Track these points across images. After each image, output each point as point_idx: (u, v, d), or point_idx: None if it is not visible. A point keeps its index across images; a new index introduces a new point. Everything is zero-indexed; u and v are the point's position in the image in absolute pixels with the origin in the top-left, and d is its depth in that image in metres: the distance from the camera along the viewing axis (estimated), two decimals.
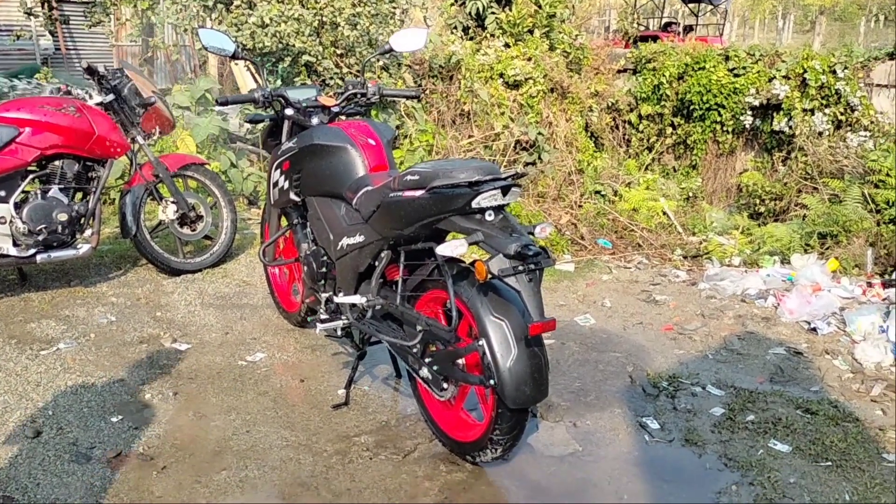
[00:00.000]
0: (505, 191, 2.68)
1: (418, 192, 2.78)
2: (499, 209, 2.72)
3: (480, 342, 2.73)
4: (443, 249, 2.66)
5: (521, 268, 2.58)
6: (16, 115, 4.24)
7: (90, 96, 4.52)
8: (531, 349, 2.71)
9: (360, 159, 3.34)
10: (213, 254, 5.08)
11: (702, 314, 4.88)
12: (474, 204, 2.65)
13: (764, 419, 3.49)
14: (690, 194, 9.05)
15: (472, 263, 2.77)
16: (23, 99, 4.65)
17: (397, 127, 7.45)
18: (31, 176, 4.36)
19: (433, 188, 2.70)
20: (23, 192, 4.34)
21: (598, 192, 8.09)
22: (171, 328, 4.27)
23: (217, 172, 5.52)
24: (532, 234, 2.72)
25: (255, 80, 7.68)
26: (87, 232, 4.55)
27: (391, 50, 3.72)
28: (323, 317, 3.53)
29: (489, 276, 2.59)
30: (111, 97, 4.53)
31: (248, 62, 7.25)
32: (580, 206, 7.60)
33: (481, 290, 2.76)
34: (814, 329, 4.56)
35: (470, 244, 2.66)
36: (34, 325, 4.19)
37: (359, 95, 3.80)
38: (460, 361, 2.89)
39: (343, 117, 3.84)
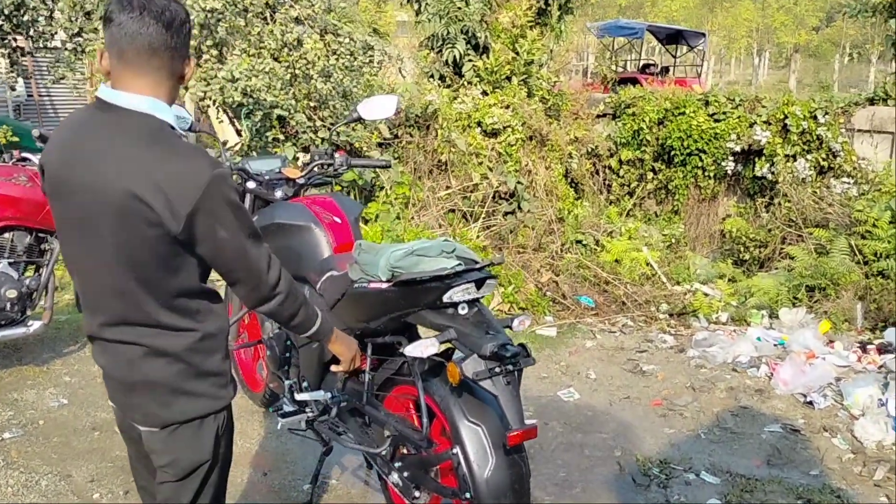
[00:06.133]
0: (479, 283, 2.45)
1: (385, 285, 2.55)
2: (473, 302, 2.49)
3: (454, 450, 2.48)
4: (411, 350, 2.42)
5: (497, 370, 2.35)
6: None
7: None
8: (510, 457, 2.46)
9: (324, 239, 3.10)
10: None
11: (692, 387, 4.64)
12: (446, 298, 2.42)
13: None
14: (673, 240, 8.90)
15: (446, 353, 2.54)
16: None
17: (372, 179, 7.25)
18: None
19: (401, 281, 2.47)
20: None
21: (579, 242, 7.91)
22: None
23: None
24: (510, 327, 2.49)
25: (235, 128, 7.48)
26: (40, 306, 4.26)
27: (360, 119, 3.50)
28: (286, 408, 3.26)
29: (463, 378, 2.36)
30: None
31: (224, 111, 7.08)
32: (562, 257, 7.40)
33: (455, 391, 2.51)
34: (810, 402, 4.33)
35: (441, 343, 2.43)
36: None
37: (325, 166, 3.57)
38: (434, 468, 2.64)
39: (308, 188, 3.61)
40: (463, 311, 2.47)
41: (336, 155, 3.57)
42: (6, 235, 4.14)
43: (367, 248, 2.67)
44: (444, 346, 2.46)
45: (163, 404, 1.80)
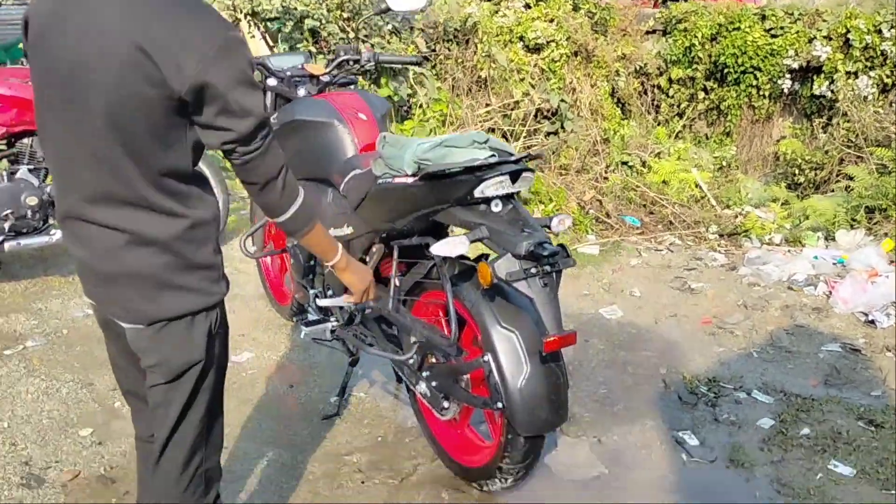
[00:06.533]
0: (515, 176, 2.22)
1: (411, 179, 2.32)
2: (508, 198, 2.27)
3: (486, 357, 2.29)
4: (438, 249, 2.21)
5: (533, 270, 2.13)
6: None
7: None
8: (547, 366, 2.27)
9: (348, 137, 2.88)
10: None
11: (744, 304, 4.37)
12: (477, 193, 2.20)
13: (821, 433, 3.02)
14: (724, 164, 8.53)
15: (478, 259, 2.34)
16: None
17: (409, 96, 6.97)
18: None
19: (428, 174, 2.24)
20: None
21: (625, 164, 7.59)
22: None
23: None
24: (548, 227, 2.27)
25: (267, 44, 7.24)
26: None
27: (388, 9, 3.23)
28: (310, 317, 3.09)
29: (495, 280, 2.14)
30: None
31: (256, 25, 6.82)
32: (606, 179, 7.10)
33: (487, 295, 2.31)
34: (872, 321, 4.05)
35: (472, 242, 2.21)
36: (1, 320, 3.81)
37: (351, 62, 3.32)
38: (464, 377, 2.46)
39: (334, 87, 3.38)
40: (496, 207, 2.25)
41: (363, 50, 3.32)
42: (25, 141, 4.01)
43: (393, 141, 2.44)
44: (474, 246, 2.25)
45: (148, 299, 1.60)
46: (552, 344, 2.14)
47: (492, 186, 2.19)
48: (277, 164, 1.64)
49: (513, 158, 2.23)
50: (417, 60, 3.59)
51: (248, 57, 1.55)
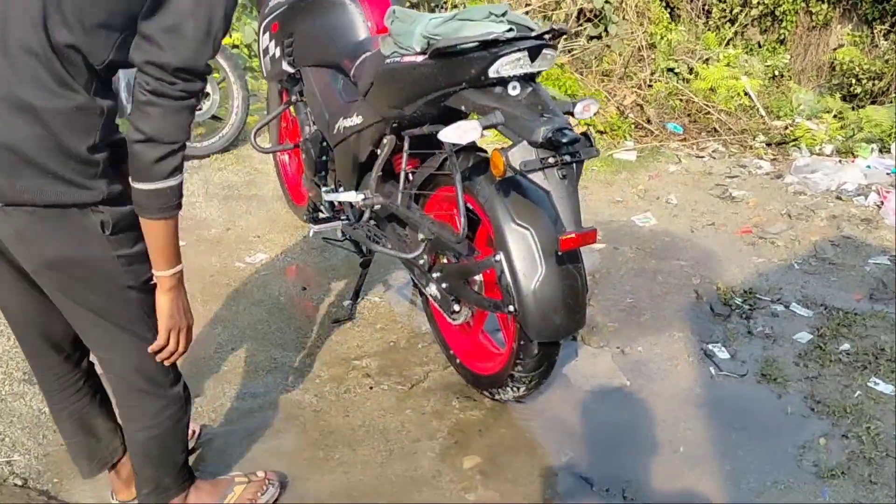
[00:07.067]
0: (534, 54, 1.98)
1: (420, 58, 2.11)
2: (527, 80, 2.04)
3: (498, 257, 2.11)
4: (447, 134, 2.00)
5: (551, 160, 1.92)
6: None
7: None
8: (563, 267, 2.08)
9: (360, 18, 2.66)
10: (222, 136, 4.48)
11: (788, 214, 4.11)
12: (492, 72, 1.97)
13: (862, 349, 2.82)
14: (776, 73, 8.09)
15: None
16: None
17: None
18: None
19: (437, 51, 2.02)
20: None
21: (670, 70, 7.21)
22: None
23: (226, 45, 4.85)
24: (570, 113, 2.04)
25: None
26: None
27: None
28: (320, 215, 2.93)
29: (509, 171, 1.94)
30: None
31: None
32: (650, 86, 6.76)
33: (501, 189, 2.12)
34: None
35: (485, 128, 1.99)
36: None
37: None
38: (476, 279, 2.29)
39: None
40: (514, 90, 2.02)
41: None
42: None
43: (403, 15, 2.21)
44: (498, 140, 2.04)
45: (8, 175, 1.40)
46: (569, 242, 1.94)
47: (508, 65, 1.96)
48: (174, 134, 1.44)
49: (533, 34, 2.00)
50: None
51: (227, 7, 1.44)
